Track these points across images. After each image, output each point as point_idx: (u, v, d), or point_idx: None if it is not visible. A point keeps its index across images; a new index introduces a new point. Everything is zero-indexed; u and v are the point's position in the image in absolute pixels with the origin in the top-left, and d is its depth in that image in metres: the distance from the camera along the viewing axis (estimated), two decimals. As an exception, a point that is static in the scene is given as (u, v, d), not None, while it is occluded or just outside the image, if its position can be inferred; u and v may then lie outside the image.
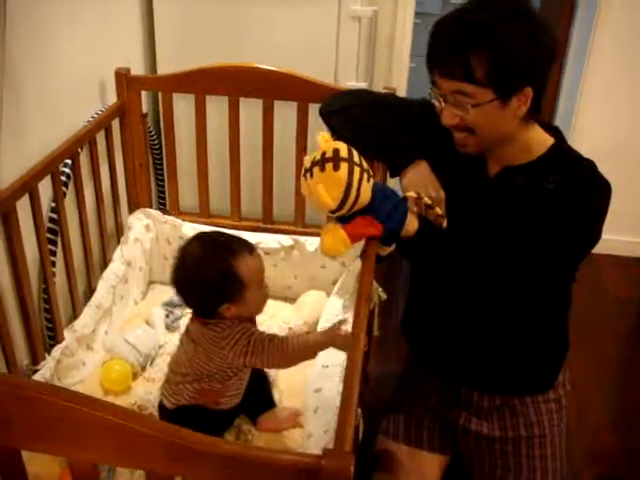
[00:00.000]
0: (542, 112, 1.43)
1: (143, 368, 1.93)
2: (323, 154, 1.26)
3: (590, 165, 1.41)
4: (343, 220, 1.31)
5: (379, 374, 2.22)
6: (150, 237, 2.24)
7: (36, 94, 1.77)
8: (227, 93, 2.06)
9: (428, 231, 1.38)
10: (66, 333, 1.88)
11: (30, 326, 1.72)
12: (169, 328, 2.09)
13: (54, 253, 1.85)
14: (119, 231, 2.20)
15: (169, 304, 2.16)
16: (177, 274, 1.51)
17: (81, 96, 2.02)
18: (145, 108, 2.25)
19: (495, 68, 1.27)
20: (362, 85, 2.38)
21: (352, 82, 2.36)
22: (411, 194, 1.38)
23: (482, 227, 1.46)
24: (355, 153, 1.28)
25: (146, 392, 1.86)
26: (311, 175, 1.26)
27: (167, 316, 2.11)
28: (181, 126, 2.21)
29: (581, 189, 1.36)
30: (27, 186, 1.63)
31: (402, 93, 2.87)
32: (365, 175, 1.27)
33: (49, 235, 1.83)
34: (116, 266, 2.09)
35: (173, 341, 2.05)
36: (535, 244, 1.34)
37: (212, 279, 1.43)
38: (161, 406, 1.62)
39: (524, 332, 1.57)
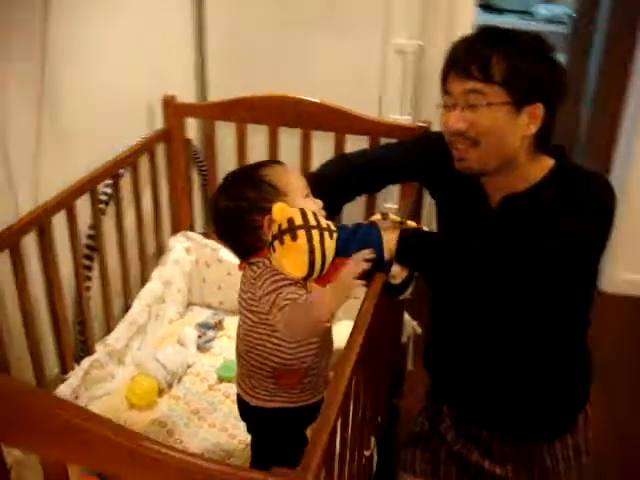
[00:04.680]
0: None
1: (170, 386, 1.98)
2: (279, 226, 1.27)
3: (593, 173, 1.41)
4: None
5: (411, 409, 2.19)
6: (190, 260, 2.30)
7: (82, 115, 1.88)
8: (267, 122, 2.12)
9: (410, 235, 1.38)
10: (98, 347, 1.95)
11: (60, 336, 1.80)
12: (200, 349, 2.13)
13: (89, 268, 1.93)
14: (159, 252, 2.27)
15: (203, 325, 2.21)
16: (215, 221, 1.40)
17: (130, 120, 2.12)
18: (197, 134, 2.33)
19: (512, 71, 1.30)
20: (406, 118, 2.40)
21: (396, 115, 2.38)
22: (376, 217, 1.40)
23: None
24: (311, 216, 1.29)
25: (169, 409, 1.91)
26: (274, 250, 1.27)
27: (199, 337, 2.16)
28: (225, 152, 2.27)
29: (580, 187, 1.36)
30: (64, 202, 1.72)
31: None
32: (326, 234, 1.28)
33: (87, 251, 1.92)
34: (153, 285, 2.16)
35: (202, 361, 2.10)
36: (539, 244, 1.31)
37: (245, 197, 1.33)
38: (246, 404, 1.51)
39: (541, 368, 1.53)
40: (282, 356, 1.41)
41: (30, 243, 1.71)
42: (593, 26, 3.41)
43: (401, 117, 2.38)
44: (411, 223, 1.43)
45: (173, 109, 2.15)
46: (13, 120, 1.61)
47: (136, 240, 2.13)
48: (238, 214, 1.34)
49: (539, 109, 1.34)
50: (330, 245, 1.29)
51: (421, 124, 1.98)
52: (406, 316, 2.21)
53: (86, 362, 1.88)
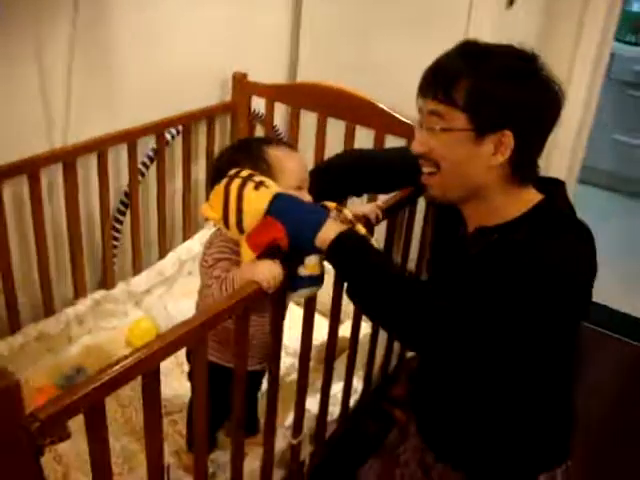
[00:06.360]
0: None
1: (171, 335, 2.11)
2: None
3: (577, 229, 1.22)
4: None
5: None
6: (237, 229, 2.42)
7: (144, 79, 2.07)
8: (316, 110, 2.17)
9: (350, 236, 1.27)
10: (120, 285, 2.15)
11: (75, 265, 2.01)
12: (215, 311, 2.25)
13: (123, 213, 2.13)
14: (209, 218, 2.41)
15: (228, 291, 2.32)
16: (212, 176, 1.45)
17: (201, 91, 2.29)
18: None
19: (476, 95, 1.17)
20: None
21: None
22: (330, 204, 1.35)
23: (458, 289, 1.29)
24: (246, 172, 1.30)
25: (159, 356, 2.04)
26: None
27: (218, 300, 2.27)
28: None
29: (551, 237, 1.19)
30: (94, 146, 1.91)
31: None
32: (250, 183, 1.26)
33: (124, 198, 2.12)
34: (192, 244, 2.31)
35: (212, 323, 2.21)
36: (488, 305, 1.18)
37: (240, 166, 1.34)
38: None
39: (516, 414, 1.40)
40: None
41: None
42: None
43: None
44: (361, 228, 1.35)
45: (239, 85, 2.28)
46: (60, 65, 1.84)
47: (181, 201, 2.29)
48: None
49: (508, 137, 1.18)
50: (252, 195, 1.26)
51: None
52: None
53: (99, 294, 2.08)
